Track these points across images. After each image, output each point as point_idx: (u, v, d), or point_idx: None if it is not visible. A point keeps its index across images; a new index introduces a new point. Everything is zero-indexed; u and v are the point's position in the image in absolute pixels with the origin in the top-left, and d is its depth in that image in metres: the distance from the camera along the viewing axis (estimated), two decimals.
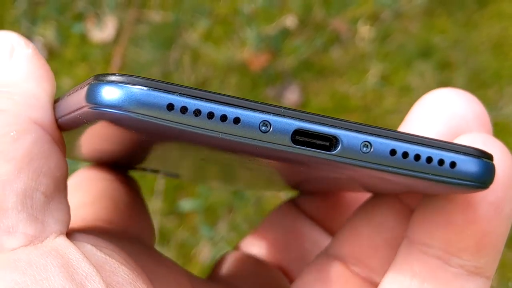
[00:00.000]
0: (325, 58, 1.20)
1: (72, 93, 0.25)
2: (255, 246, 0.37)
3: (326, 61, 1.20)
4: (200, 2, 1.23)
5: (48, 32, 1.20)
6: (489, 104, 1.17)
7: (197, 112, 0.22)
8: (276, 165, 0.26)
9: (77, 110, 0.24)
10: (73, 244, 0.25)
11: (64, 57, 1.19)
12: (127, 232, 0.31)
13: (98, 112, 0.22)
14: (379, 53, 1.21)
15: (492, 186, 0.26)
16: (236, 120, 0.22)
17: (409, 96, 1.17)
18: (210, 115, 0.22)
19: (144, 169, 0.37)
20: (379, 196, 0.31)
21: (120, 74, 0.22)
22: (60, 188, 0.25)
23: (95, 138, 0.27)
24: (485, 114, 0.28)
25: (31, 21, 1.20)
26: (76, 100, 0.24)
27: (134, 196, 0.35)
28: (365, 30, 1.22)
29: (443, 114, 0.28)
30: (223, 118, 0.22)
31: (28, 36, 1.19)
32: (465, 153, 0.25)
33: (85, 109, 0.23)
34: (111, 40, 1.20)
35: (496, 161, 0.26)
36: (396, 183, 0.25)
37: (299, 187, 0.36)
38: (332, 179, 0.29)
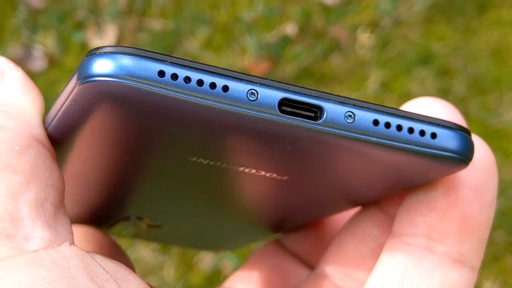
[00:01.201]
0: (325, 65, 1.21)
1: (58, 97, 0.25)
2: (241, 284, 0.37)
3: (326, 68, 1.21)
4: (200, 10, 1.23)
5: (49, 41, 1.20)
6: (489, 110, 1.18)
7: (187, 80, 0.23)
8: (262, 155, 0.26)
9: (68, 97, 0.24)
10: (87, 253, 0.25)
11: (65, 66, 1.19)
12: None
13: (92, 84, 0.22)
14: (379, 60, 1.21)
15: (473, 172, 0.27)
16: (225, 88, 0.23)
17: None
18: (200, 82, 0.23)
19: (127, 219, 0.37)
20: (362, 211, 0.31)
21: (112, 46, 0.23)
22: (63, 202, 0.26)
23: (83, 149, 0.27)
24: (463, 121, 0.29)
25: (32, 30, 1.21)
26: (65, 92, 0.24)
27: (115, 245, 0.37)
28: (365, 38, 1.22)
29: None
30: (212, 85, 0.23)
31: (29, 45, 1.19)
32: (444, 126, 0.25)
33: (77, 88, 0.23)
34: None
35: (476, 150, 0.26)
36: (379, 163, 0.25)
37: (281, 221, 0.36)
38: (318, 185, 0.29)
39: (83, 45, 1.21)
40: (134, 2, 1.23)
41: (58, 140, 0.27)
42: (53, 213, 0.25)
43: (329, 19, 1.23)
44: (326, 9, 1.24)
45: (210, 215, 0.37)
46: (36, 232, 0.24)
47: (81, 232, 0.36)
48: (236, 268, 1.08)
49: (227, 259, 1.07)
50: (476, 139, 0.28)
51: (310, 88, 0.24)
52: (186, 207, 0.35)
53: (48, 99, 0.28)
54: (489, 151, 0.28)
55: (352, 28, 1.23)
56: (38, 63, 1.20)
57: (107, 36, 1.21)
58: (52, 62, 1.19)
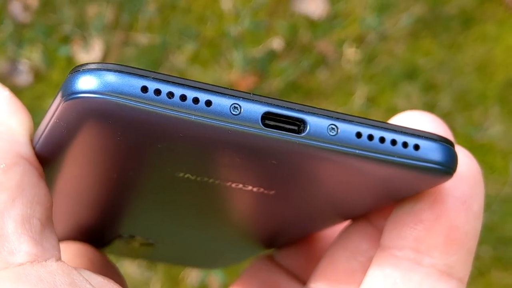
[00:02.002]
0: (312, 80, 1.21)
1: (45, 115, 0.25)
2: None
3: (313, 83, 1.21)
4: (187, 25, 1.23)
5: (35, 55, 1.20)
6: (475, 125, 1.18)
7: (170, 95, 0.23)
8: (247, 170, 0.26)
9: (53, 115, 0.24)
10: (74, 268, 0.25)
11: (51, 80, 1.19)
12: None
13: (76, 100, 0.22)
14: (365, 75, 1.21)
15: (458, 183, 0.27)
16: (208, 103, 0.23)
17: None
18: (183, 97, 0.23)
19: (120, 237, 0.37)
20: (352, 225, 0.31)
21: (95, 63, 0.23)
22: (50, 218, 0.26)
23: (71, 166, 0.27)
24: (450, 133, 0.29)
25: (18, 44, 1.20)
26: (51, 109, 0.24)
27: (107, 261, 0.37)
28: (351, 52, 1.23)
29: None
30: (195, 100, 0.23)
31: (14, 59, 1.19)
32: (427, 138, 0.25)
33: (62, 105, 0.23)
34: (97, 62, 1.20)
35: (461, 162, 0.27)
36: (365, 176, 0.26)
37: (273, 237, 0.36)
38: (305, 198, 0.29)
39: (69, 59, 1.20)
40: (121, 17, 1.23)
41: (46, 157, 0.27)
42: (39, 229, 0.25)
43: (315, 34, 1.24)
44: (312, 24, 1.24)
45: (202, 232, 0.37)
46: (22, 247, 0.24)
47: (73, 248, 0.36)
48: (223, 284, 1.07)
49: (214, 275, 1.07)
50: (461, 151, 0.28)
51: (293, 101, 0.24)
52: (177, 225, 0.35)
53: (34, 114, 0.29)
54: (474, 162, 0.28)
55: (338, 43, 1.23)
56: (24, 77, 1.19)
57: (94, 51, 1.21)
58: (38, 76, 1.19)
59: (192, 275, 1.07)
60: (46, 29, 1.22)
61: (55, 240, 0.26)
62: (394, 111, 1.18)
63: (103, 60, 1.20)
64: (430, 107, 1.19)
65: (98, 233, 0.37)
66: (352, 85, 1.21)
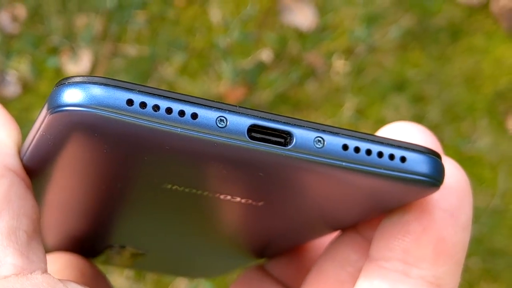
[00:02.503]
0: (301, 91, 1.21)
1: (32, 127, 0.25)
2: None
3: (302, 94, 1.21)
4: (176, 36, 1.23)
5: (23, 66, 1.19)
6: (463, 137, 1.19)
7: (156, 108, 0.23)
8: (235, 181, 0.26)
9: (39, 127, 0.24)
10: (60, 281, 0.25)
11: (39, 91, 1.18)
12: None
13: (61, 113, 0.22)
14: (354, 87, 1.22)
15: (446, 195, 0.27)
16: (194, 116, 0.23)
17: None
18: (168, 110, 0.23)
19: (110, 247, 0.37)
20: (341, 235, 0.31)
21: (81, 76, 0.23)
22: (37, 230, 0.26)
23: (59, 178, 0.27)
24: (438, 144, 0.29)
25: (5, 55, 1.20)
26: (38, 122, 0.24)
27: (98, 272, 0.37)
28: (340, 64, 1.23)
29: None
30: (181, 113, 0.23)
31: (2, 70, 1.18)
32: (414, 150, 0.25)
33: (48, 118, 0.23)
34: (86, 74, 1.20)
35: (449, 174, 0.27)
36: (352, 187, 0.26)
37: (263, 247, 0.36)
38: (294, 210, 0.29)
39: (58, 71, 1.20)
40: (109, 28, 1.23)
41: (34, 169, 0.27)
42: (26, 241, 0.25)
43: (304, 45, 1.24)
44: (301, 35, 1.25)
45: (192, 242, 0.37)
46: (8, 259, 0.24)
47: (63, 259, 0.36)
48: None
49: (203, 285, 1.07)
50: (449, 162, 0.28)
51: (279, 114, 0.24)
52: (167, 235, 0.35)
53: (22, 125, 0.29)
54: (462, 174, 0.28)
55: (327, 55, 1.23)
56: (12, 88, 1.19)
57: (82, 62, 1.21)
58: (26, 87, 1.19)
59: (181, 286, 1.06)
60: (35, 40, 1.21)
61: (41, 252, 0.26)
62: (383, 122, 1.18)
63: (92, 71, 1.20)
64: (418, 119, 1.20)
65: (88, 244, 0.37)
66: (341, 97, 1.21)
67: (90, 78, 0.23)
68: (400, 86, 1.22)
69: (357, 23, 1.25)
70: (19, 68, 1.19)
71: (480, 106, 1.22)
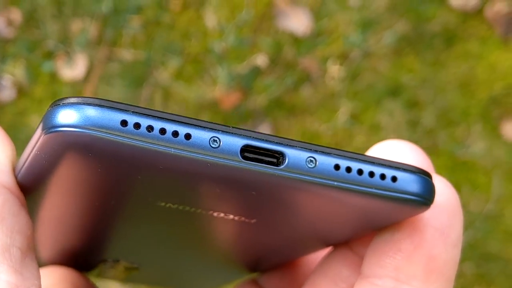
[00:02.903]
0: (296, 96, 1.21)
1: (27, 145, 0.26)
2: None
3: (297, 99, 1.21)
4: (171, 41, 1.23)
5: (18, 70, 1.19)
6: (457, 142, 1.19)
7: (150, 129, 0.23)
8: (228, 200, 0.26)
9: (34, 146, 0.24)
10: None
11: (34, 95, 1.18)
12: None
13: (56, 134, 0.23)
14: (348, 92, 1.22)
15: (436, 213, 0.28)
16: (187, 136, 0.23)
17: (378, 135, 1.18)
18: (162, 131, 0.23)
19: (104, 262, 0.37)
20: (333, 251, 0.32)
21: (75, 97, 0.23)
22: (31, 247, 0.27)
23: (54, 195, 0.28)
24: (430, 163, 0.29)
25: (1, 59, 1.20)
26: (32, 141, 0.25)
27: (92, 286, 0.37)
28: (334, 69, 1.23)
29: None
30: (175, 134, 0.23)
31: None
32: (404, 170, 0.26)
33: (43, 138, 0.23)
34: (81, 78, 1.20)
35: (440, 192, 0.27)
36: (344, 206, 0.26)
37: (256, 262, 0.37)
38: (286, 227, 0.29)
39: (53, 75, 1.20)
40: (105, 32, 1.23)
41: (29, 187, 0.27)
42: (19, 258, 0.25)
43: (299, 50, 1.24)
44: (296, 41, 1.25)
45: (185, 257, 0.37)
46: (2, 276, 0.24)
47: (58, 273, 0.36)
48: None
49: None
50: (440, 180, 0.28)
51: (271, 134, 0.25)
52: (160, 250, 0.36)
53: (17, 130, 0.29)
54: (453, 191, 0.29)
55: (322, 60, 1.24)
56: (7, 92, 1.19)
57: (77, 66, 1.21)
58: (21, 92, 1.18)
59: None
60: (30, 44, 1.21)
61: (35, 269, 0.26)
62: (378, 127, 1.18)
63: (87, 76, 1.20)
64: (413, 124, 1.20)
65: (82, 258, 0.37)
66: (336, 102, 1.21)
67: (85, 99, 0.23)
68: (394, 91, 1.22)
69: (352, 28, 1.26)
70: (14, 73, 1.19)
71: (475, 111, 1.22)
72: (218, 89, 1.20)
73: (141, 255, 0.37)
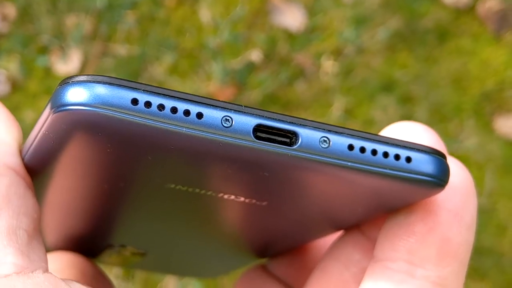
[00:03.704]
0: (290, 92, 1.22)
1: (34, 126, 0.25)
2: None
3: (291, 95, 1.22)
4: (166, 36, 1.23)
5: (12, 65, 1.19)
6: (450, 137, 1.20)
7: (161, 107, 0.22)
8: (239, 181, 0.26)
9: (42, 126, 0.24)
10: (62, 280, 0.25)
11: (28, 90, 1.18)
12: None
13: (65, 113, 0.22)
14: (342, 87, 1.22)
15: (450, 195, 0.27)
16: (199, 115, 0.23)
17: (372, 129, 1.19)
18: (174, 109, 0.23)
19: (111, 247, 0.36)
20: (344, 235, 0.31)
21: (86, 75, 0.23)
22: (38, 230, 0.26)
23: (61, 177, 0.27)
24: (443, 144, 0.29)
25: None
26: (40, 121, 0.24)
27: (99, 272, 0.37)
28: (328, 65, 1.24)
29: None
30: (186, 113, 0.23)
31: None
32: (419, 150, 0.25)
33: (51, 117, 0.23)
34: (76, 73, 1.20)
35: (454, 173, 0.27)
36: (357, 187, 0.26)
37: (266, 246, 0.36)
38: (297, 209, 0.29)
39: (47, 70, 1.20)
40: (99, 27, 1.23)
41: (36, 168, 0.26)
42: (26, 240, 0.25)
43: (293, 46, 1.24)
44: (290, 36, 1.25)
45: (194, 241, 0.36)
46: (8, 258, 0.24)
47: (64, 258, 0.36)
48: None
49: (191, 286, 1.07)
50: (454, 162, 0.28)
51: (285, 114, 0.24)
52: (168, 234, 0.35)
53: None
54: (466, 173, 0.28)
55: (316, 56, 1.24)
56: (1, 87, 1.18)
57: (72, 61, 1.21)
58: (15, 86, 1.18)
59: (170, 286, 1.07)
60: (24, 39, 1.21)
61: (42, 252, 0.26)
62: (371, 123, 1.19)
63: (81, 71, 1.20)
64: (406, 119, 1.20)
65: (89, 243, 0.36)
66: (330, 97, 1.22)
67: (95, 77, 0.22)
68: (388, 86, 1.23)
69: (346, 24, 1.26)
70: (8, 67, 1.19)
71: (467, 107, 1.23)
72: (213, 84, 1.21)
73: (148, 240, 0.36)
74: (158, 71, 1.21)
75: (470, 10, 1.29)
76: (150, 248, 0.37)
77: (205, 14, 1.25)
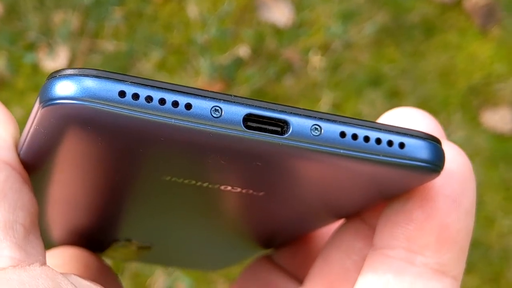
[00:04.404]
0: (278, 87, 1.22)
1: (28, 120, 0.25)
2: None
3: (279, 90, 1.22)
4: (154, 32, 1.23)
5: None
6: None
7: (149, 99, 0.22)
8: (233, 172, 0.26)
9: (33, 121, 0.24)
10: (60, 273, 0.25)
11: (16, 87, 1.18)
12: None
13: (53, 107, 0.22)
14: (330, 82, 1.23)
15: (448, 181, 0.27)
16: (188, 106, 0.23)
17: None
18: (162, 101, 0.22)
19: (116, 241, 0.36)
20: (345, 223, 0.31)
21: (73, 68, 0.23)
22: (35, 224, 0.26)
23: (58, 172, 0.27)
24: (441, 129, 0.29)
25: None
26: (31, 116, 0.24)
27: (104, 266, 0.36)
28: (316, 60, 1.24)
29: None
30: (175, 104, 0.22)
31: None
32: (412, 136, 0.25)
33: (40, 112, 0.23)
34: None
35: (451, 159, 0.27)
36: (352, 175, 0.25)
37: (269, 237, 0.36)
38: (295, 199, 0.29)
39: (35, 66, 1.19)
40: (87, 24, 1.23)
41: (32, 163, 0.26)
42: (23, 234, 0.25)
43: (281, 41, 1.25)
44: (278, 32, 1.26)
45: (197, 234, 0.36)
46: (4, 252, 0.24)
47: (69, 253, 0.35)
48: None
49: (181, 281, 1.07)
50: (451, 146, 0.28)
51: (275, 102, 0.24)
52: (172, 227, 0.35)
53: None
54: (464, 158, 0.28)
55: (304, 51, 1.24)
56: None
57: (59, 58, 1.20)
58: (3, 83, 1.18)
59: (159, 281, 1.07)
60: (11, 36, 1.21)
61: (39, 246, 0.26)
62: (359, 117, 1.19)
63: (69, 67, 1.19)
64: None
65: (94, 238, 0.36)
66: (318, 92, 1.22)
67: (82, 70, 0.22)
68: (375, 81, 1.23)
69: (333, 19, 1.27)
70: None
71: (454, 101, 1.24)
72: (201, 80, 1.21)
73: (152, 234, 0.36)
74: (146, 67, 1.21)
75: (457, 4, 1.30)
76: (155, 241, 0.37)
77: (192, 10, 1.25)
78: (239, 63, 1.23)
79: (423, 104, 1.22)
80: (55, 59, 1.20)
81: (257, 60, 1.23)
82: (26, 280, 0.23)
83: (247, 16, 1.26)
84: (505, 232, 1.15)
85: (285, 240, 0.36)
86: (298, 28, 1.26)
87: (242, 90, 1.21)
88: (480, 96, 1.24)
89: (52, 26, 1.22)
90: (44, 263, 0.25)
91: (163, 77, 1.20)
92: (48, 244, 0.34)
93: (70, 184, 0.29)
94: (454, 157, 0.27)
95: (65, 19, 1.22)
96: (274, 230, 0.35)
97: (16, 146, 0.27)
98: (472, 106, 1.24)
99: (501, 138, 1.22)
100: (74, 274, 0.26)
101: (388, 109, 0.29)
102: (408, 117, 0.29)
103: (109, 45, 1.22)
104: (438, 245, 0.27)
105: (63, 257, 0.35)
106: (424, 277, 0.27)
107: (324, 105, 1.21)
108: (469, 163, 0.28)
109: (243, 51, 1.23)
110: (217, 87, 1.20)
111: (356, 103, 1.22)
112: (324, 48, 1.25)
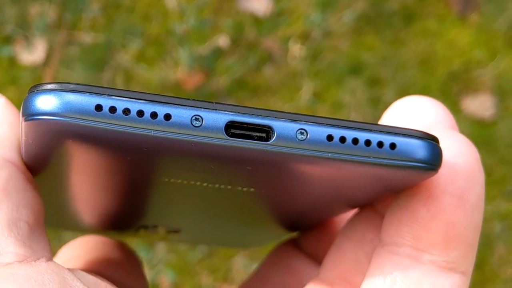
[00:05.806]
0: (258, 76, 1.22)
1: None
2: (258, 284, 0.36)
3: (260, 79, 1.22)
4: (132, 23, 1.22)
5: None
6: None
7: (126, 111, 0.22)
8: (227, 174, 0.25)
9: (21, 131, 0.24)
10: (66, 268, 0.25)
11: None
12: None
13: (34, 122, 0.22)
14: (310, 71, 1.23)
15: (453, 177, 0.26)
16: (167, 117, 0.22)
17: (341, 112, 1.19)
18: (140, 113, 0.22)
19: (145, 227, 0.36)
20: (358, 213, 0.31)
21: (52, 83, 0.23)
22: (40, 221, 0.26)
23: (60, 177, 0.27)
24: (451, 118, 0.28)
25: None
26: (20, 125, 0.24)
27: (129, 256, 0.36)
28: (296, 49, 1.24)
29: (413, 118, 0.28)
30: (153, 115, 0.22)
31: None
32: (404, 135, 0.24)
33: (24, 124, 0.23)
34: (41, 63, 1.19)
35: (457, 153, 0.26)
36: (346, 175, 0.25)
37: (291, 222, 0.36)
38: (296, 196, 0.28)
39: (12, 60, 1.18)
40: (64, 16, 1.21)
41: (34, 164, 0.26)
42: (27, 231, 0.25)
43: (260, 31, 1.24)
44: (257, 21, 1.25)
45: (223, 222, 0.36)
46: (10, 248, 0.24)
47: (90, 243, 0.36)
48: (173, 283, 1.07)
49: (164, 274, 1.07)
50: (458, 139, 0.27)
51: (259, 107, 0.23)
52: (196, 216, 0.35)
53: None
54: (471, 150, 0.27)
55: (283, 40, 1.24)
56: None
57: (37, 50, 1.19)
58: None
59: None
60: None
61: (45, 242, 0.26)
62: (340, 106, 1.20)
63: (47, 60, 1.18)
64: (374, 102, 1.21)
65: (123, 225, 0.37)
66: (298, 81, 1.22)
67: (60, 85, 0.22)
68: (355, 69, 1.24)
69: (312, 8, 1.26)
70: None
71: (434, 88, 1.24)
72: (180, 70, 1.20)
73: (178, 220, 0.36)
74: (124, 58, 1.20)
75: None
76: (183, 226, 0.37)
77: (170, 0, 1.24)
78: (218, 53, 1.22)
79: (403, 91, 1.22)
80: (32, 52, 1.19)
81: (237, 50, 1.23)
82: (32, 275, 0.24)
83: (226, 5, 1.26)
84: (487, 217, 1.16)
85: (308, 224, 0.36)
86: (277, 17, 1.26)
87: (222, 80, 1.20)
88: (460, 83, 1.25)
89: (29, 18, 1.20)
90: (50, 258, 0.25)
91: (142, 68, 1.19)
92: (77, 229, 0.35)
93: (76, 184, 0.29)
94: (460, 150, 0.26)
95: (41, 11, 1.21)
96: (292, 217, 0.35)
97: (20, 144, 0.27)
98: (452, 92, 1.24)
99: (481, 124, 1.23)
100: (80, 269, 0.26)
101: (368, 97, 0.28)
102: (417, 106, 0.28)
103: (87, 37, 1.21)
104: (444, 244, 0.27)
105: (81, 248, 0.35)
106: (432, 274, 0.27)
107: (304, 94, 1.21)
108: (476, 154, 0.27)
109: (222, 41, 1.23)
110: (196, 77, 1.20)
111: (336, 91, 1.22)
112: (304, 37, 1.25)
